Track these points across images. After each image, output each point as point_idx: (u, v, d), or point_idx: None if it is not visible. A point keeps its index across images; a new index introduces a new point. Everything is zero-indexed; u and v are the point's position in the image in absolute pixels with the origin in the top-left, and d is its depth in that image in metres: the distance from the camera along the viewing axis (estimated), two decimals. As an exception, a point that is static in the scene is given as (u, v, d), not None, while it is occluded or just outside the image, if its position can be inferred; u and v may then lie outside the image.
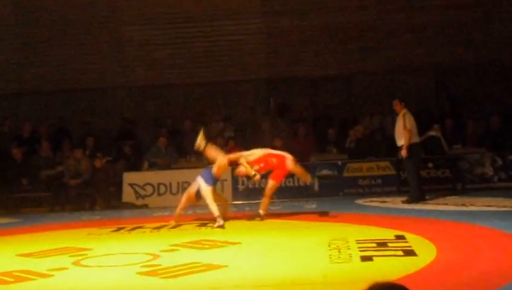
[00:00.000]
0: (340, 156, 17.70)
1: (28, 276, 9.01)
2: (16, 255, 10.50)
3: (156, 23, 20.73)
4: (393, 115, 18.91)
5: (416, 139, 14.61)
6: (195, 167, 17.70)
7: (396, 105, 14.74)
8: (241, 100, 20.30)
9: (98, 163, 17.18)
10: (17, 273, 9.21)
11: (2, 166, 17.29)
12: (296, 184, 16.80)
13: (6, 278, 8.96)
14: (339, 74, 20.26)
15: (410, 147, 14.39)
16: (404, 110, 14.57)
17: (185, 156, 18.39)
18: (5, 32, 20.86)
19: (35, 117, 19.97)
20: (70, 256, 9.99)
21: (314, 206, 15.15)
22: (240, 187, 16.92)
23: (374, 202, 15.33)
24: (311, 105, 20.12)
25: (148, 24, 20.71)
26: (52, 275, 8.96)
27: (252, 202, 16.21)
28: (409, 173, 14.83)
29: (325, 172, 16.90)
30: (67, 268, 9.31)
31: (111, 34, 20.79)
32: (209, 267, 8.84)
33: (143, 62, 20.77)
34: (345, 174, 17.00)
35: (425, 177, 16.77)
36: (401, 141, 14.44)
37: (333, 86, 20.26)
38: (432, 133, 17.33)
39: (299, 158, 17.70)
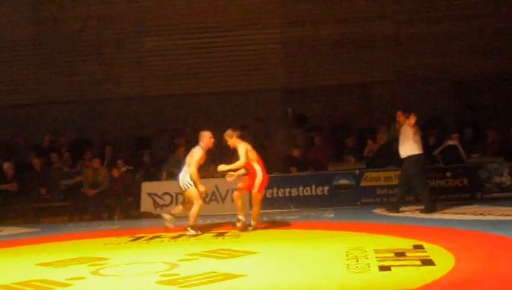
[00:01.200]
0: (357, 165, 17.66)
1: (47, 285, 9.06)
2: (35, 265, 10.55)
3: (174, 33, 20.84)
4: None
5: (421, 150, 14.56)
6: (214, 177, 17.77)
7: (400, 116, 14.61)
8: (259, 110, 20.33)
9: (115, 173, 17.25)
10: (36, 283, 9.26)
11: (22, 176, 17.38)
12: (314, 193, 16.79)
13: (25, 288, 9.01)
14: (357, 83, 20.25)
15: (418, 158, 14.38)
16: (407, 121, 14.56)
17: (202, 166, 18.37)
18: (25, 43, 21.03)
19: (55, 127, 20.07)
20: (88, 265, 10.03)
21: (331, 215, 15.13)
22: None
23: (392, 212, 15.28)
24: (328, 114, 20.11)
25: (167, 34, 20.82)
26: (71, 285, 9.00)
27: (269, 211, 16.22)
28: (418, 185, 14.70)
29: (342, 181, 16.89)
30: (86, 277, 9.35)
31: (130, 45, 20.90)
32: (228, 276, 8.86)
33: (162, 72, 20.86)
34: (363, 183, 16.97)
35: (444, 187, 16.74)
36: (406, 152, 14.42)
37: (351, 95, 20.26)
38: (450, 142, 17.30)
39: (317, 167, 17.78)
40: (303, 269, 9.28)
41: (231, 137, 13.42)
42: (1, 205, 17.37)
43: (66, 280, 9.26)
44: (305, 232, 12.90)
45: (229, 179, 13.30)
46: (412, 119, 14.33)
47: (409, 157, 14.40)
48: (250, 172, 13.04)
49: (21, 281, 9.44)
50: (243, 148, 13.22)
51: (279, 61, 20.83)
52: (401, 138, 14.55)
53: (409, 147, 14.37)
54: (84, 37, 20.94)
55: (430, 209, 14.46)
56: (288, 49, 20.73)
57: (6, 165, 17.79)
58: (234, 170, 13.33)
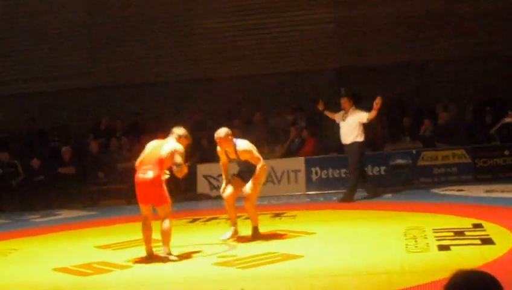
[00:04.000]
0: (414, 144, 17.48)
1: (106, 267, 9.17)
2: (94, 247, 10.69)
3: (226, 16, 20.81)
4: (470, 103, 18.69)
5: (364, 138, 14.31)
6: (268, 158, 17.76)
7: (346, 102, 14.34)
8: (312, 90, 20.22)
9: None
10: (95, 265, 9.39)
11: (79, 160, 17.59)
12: (370, 173, 16.68)
13: (85, 270, 9.13)
14: (411, 62, 20.00)
15: (363, 145, 14.22)
16: (353, 107, 14.29)
17: (257, 147, 18.37)
18: (78, 28, 21.23)
19: (111, 111, 20.25)
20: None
21: (389, 195, 15.02)
22: (314, 177, 16.86)
23: (450, 191, 15.11)
24: (383, 94, 19.89)
25: (219, 16, 20.78)
26: (130, 267, 9.11)
27: (325, 192, 16.20)
28: (355, 171, 14.27)
29: (399, 161, 16.75)
30: (144, 259, 9.43)
31: (182, 27, 20.95)
32: (285, 257, 8.86)
33: (214, 54, 20.87)
34: (420, 163, 16.79)
35: (501, 165, 16.49)
36: (350, 138, 14.09)
37: (405, 74, 20.01)
38: (507, 120, 17.02)
39: (373, 148, 17.64)
40: (361, 249, 9.25)
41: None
42: (59, 188, 17.63)
43: (125, 261, 9.37)
44: (362, 212, 12.82)
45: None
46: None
47: (354, 143, 14.07)
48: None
49: (80, 263, 9.58)
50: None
51: (332, 41, 20.67)
52: (347, 124, 14.15)
53: (356, 133, 14.04)
54: (135, 20, 21.03)
55: (347, 199, 14.10)
56: (341, 29, 20.55)
57: (64, 149, 18.04)
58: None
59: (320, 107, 14.73)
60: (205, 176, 17.31)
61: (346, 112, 14.20)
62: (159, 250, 9.34)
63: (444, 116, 17.63)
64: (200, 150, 18.50)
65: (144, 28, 21.00)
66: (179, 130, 9.99)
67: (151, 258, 9.28)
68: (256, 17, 20.75)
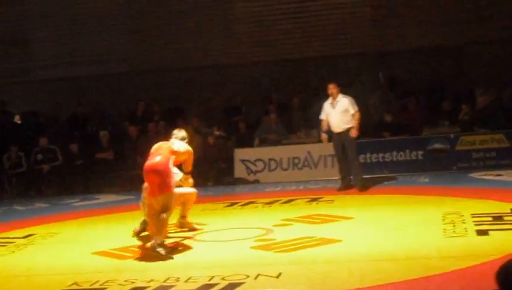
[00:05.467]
0: (452, 129, 17.34)
1: (145, 251, 9.24)
2: (132, 231, 10.74)
3: (264, 0, 20.78)
4: (509, 87, 18.46)
5: None
6: (305, 143, 17.77)
7: (334, 88, 13.78)
8: (350, 74, 20.13)
9: (210, 140, 17.41)
10: (134, 249, 9.47)
11: (117, 144, 17.70)
12: (408, 158, 16.60)
13: (123, 253, 9.23)
14: (451, 45, 19.79)
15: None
16: (341, 94, 13.79)
17: (294, 131, 18.43)
18: (116, 13, 21.33)
19: (148, 96, 20.34)
20: (186, 231, 10.16)
21: (427, 180, 14.94)
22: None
23: (488, 175, 14.97)
24: (422, 77, 19.75)
25: (257, 1, 20.76)
26: (170, 251, 9.15)
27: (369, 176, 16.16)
28: (356, 158, 13.89)
29: (437, 145, 16.63)
30: (183, 243, 9.50)
31: (221, 12, 20.96)
32: (323, 241, 8.87)
33: (252, 38, 20.85)
34: (458, 147, 16.64)
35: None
36: (342, 126, 13.57)
37: (445, 57, 19.82)
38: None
39: (411, 132, 17.54)
40: (399, 234, 9.22)
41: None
42: (98, 173, 17.78)
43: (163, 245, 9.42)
44: (400, 197, 12.76)
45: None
46: None
47: (348, 130, 13.57)
48: None
49: (119, 247, 9.68)
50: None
51: (369, 25, 20.54)
52: (338, 112, 13.65)
53: (347, 119, 13.59)
54: (175, 4, 21.07)
55: (365, 186, 13.73)
56: (378, 12, 20.41)
57: (102, 134, 18.17)
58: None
59: (325, 142, 14.23)
60: (242, 161, 17.34)
61: (335, 99, 13.72)
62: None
63: (483, 100, 17.44)
64: (237, 134, 18.55)
65: (183, 12, 21.03)
66: (181, 133, 9.91)
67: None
68: (294, 1, 20.67)
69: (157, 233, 8.80)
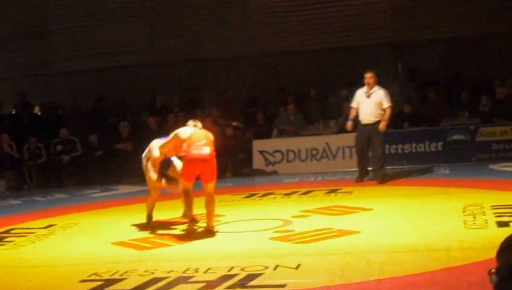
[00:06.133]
0: (472, 120, 17.25)
1: (164, 242, 9.29)
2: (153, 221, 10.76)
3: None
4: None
5: None
6: (323, 134, 17.74)
7: (371, 78, 13.36)
8: (369, 65, 20.03)
9: (229, 131, 17.40)
10: (152, 239, 9.51)
11: (137, 135, 17.70)
12: (427, 149, 16.54)
13: (143, 244, 9.26)
14: (471, 36, 19.67)
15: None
16: (377, 86, 13.43)
17: (312, 123, 18.41)
18: (137, 4, 21.38)
19: (167, 87, 20.37)
20: (203, 222, 10.16)
21: (446, 171, 14.88)
22: (369, 153, 16.71)
23: (509, 167, 14.88)
24: (441, 68, 19.65)
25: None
26: (188, 241, 9.19)
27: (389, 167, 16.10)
28: (382, 152, 13.71)
29: (457, 137, 16.55)
30: (202, 234, 9.52)
31: (240, 3, 20.95)
32: (342, 233, 8.86)
33: (270, 30, 20.82)
34: (478, 138, 16.56)
35: None
36: (372, 118, 13.29)
37: (465, 48, 19.71)
38: None
39: (430, 123, 17.46)
40: (419, 225, 9.20)
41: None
42: (117, 164, 17.83)
43: (182, 237, 9.46)
44: (420, 188, 12.72)
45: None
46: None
47: (378, 123, 13.35)
48: None
49: (138, 237, 9.72)
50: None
51: (387, 15, 20.45)
52: (371, 102, 13.32)
53: (378, 112, 13.32)
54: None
55: (385, 178, 13.57)
56: (396, 2, 20.33)
57: (121, 125, 18.21)
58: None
59: (350, 128, 13.87)
60: (261, 152, 17.34)
61: (370, 89, 13.34)
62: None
63: (502, 91, 17.35)
64: (255, 125, 18.54)
65: (202, 4, 21.03)
66: (198, 124, 9.95)
67: (195, 221, 9.60)
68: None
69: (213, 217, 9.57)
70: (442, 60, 19.69)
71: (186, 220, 9.97)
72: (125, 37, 21.31)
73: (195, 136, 9.51)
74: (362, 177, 13.74)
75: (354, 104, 13.59)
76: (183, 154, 9.60)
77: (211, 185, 9.57)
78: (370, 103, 13.31)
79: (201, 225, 9.79)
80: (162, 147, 10.06)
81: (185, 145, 9.47)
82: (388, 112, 13.32)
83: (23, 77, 21.58)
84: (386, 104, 13.28)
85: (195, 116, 17.81)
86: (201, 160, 9.37)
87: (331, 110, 18.66)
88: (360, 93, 13.47)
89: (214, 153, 9.53)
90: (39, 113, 20.97)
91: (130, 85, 20.97)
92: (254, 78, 20.58)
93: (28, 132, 18.66)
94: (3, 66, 21.80)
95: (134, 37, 21.26)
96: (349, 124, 13.77)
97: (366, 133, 13.42)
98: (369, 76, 13.31)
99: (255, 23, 20.92)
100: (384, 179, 13.49)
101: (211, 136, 9.75)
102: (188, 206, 9.67)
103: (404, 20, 20.29)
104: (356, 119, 13.66)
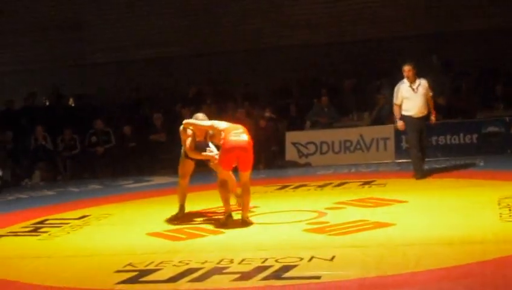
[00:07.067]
0: (507, 112, 17.08)
1: (199, 233, 9.31)
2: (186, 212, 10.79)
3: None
4: None
5: None
6: (357, 126, 17.68)
7: (411, 71, 12.83)
8: (401, 57, 19.92)
9: (262, 123, 17.40)
10: (188, 230, 9.54)
11: (170, 126, 17.73)
12: (462, 141, 16.42)
13: (178, 235, 9.29)
14: (505, 27, 19.47)
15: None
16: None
17: (346, 114, 18.35)
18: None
19: (200, 79, 20.41)
20: (237, 213, 10.17)
21: (481, 164, 14.76)
22: (403, 145, 16.65)
23: (545, 159, 14.77)
24: (476, 59, 19.46)
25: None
26: (222, 232, 9.22)
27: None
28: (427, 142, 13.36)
29: (491, 129, 16.40)
30: (237, 225, 9.53)
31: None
32: (377, 225, 8.83)
33: (304, 22, 20.77)
34: (513, 130, 16.41)
35: None
36: (424, 110, 12.86)
37: (499, 39, 19.49)
38: None
39: (465, 115, 17.32)
40: (454, 218, 9.12)
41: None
42: (151, 155, 17.92)
43: (216, 227, 9.48)
44: (454, 181, 12.61)
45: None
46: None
47: (426, 116, 13.01)
48: None
49: (173, 228, 9.76)
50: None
51: (421, 6, 20.31)
52: (420, 95, 12.81)
53: (425, 104, 12.91)
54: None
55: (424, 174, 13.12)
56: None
57: (155, 117, 18.30)
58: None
59: (402, 128, 13.36)
60: (294, 143, 17.33)
61: (412, 82, 12.82)
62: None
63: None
64: (288, 117, 18.53)
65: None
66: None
67: (231, 217, 9.58)
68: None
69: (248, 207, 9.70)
70: (477, 51, 19.48)
71: (239, 208, 9.99)
72: (159, 28, 21.37)
73: (233, 126, 9.70)
74: (423, 171, 13.14)
75: (398, 101, 12.99)
76: (221, 142, 9.60)
77: (247, 174, 9.61)
78: (419, 96, 12.80)
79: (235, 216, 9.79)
80: (188, 124, 10.17)
81: (222, 134, 9.54)
82: (432, 102, 13.01)
83: (57, 68, 21.73)
84: (431, 92, 12.93)
85: (227, 108, 17.98)
86: (240, 147, 9.46)
87: (365, 102, 18.58)
88: (405, 88, 12.88)
89: (252, 141, 9.61)
90: (73, 105, 21.12)
91: (164, 76, 21.04)
92: (286, 69, 20.53)
93: (63, 123, 18.81)
94: (38, 57, 21.95)
95: (168, 29, 21.33)
96: (400, 124, 13.17)
97: (419, 126, 12.92)
98: (407, 69, 12.82)
99: (288, 14, 20.87)
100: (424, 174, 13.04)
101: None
102: (226, 199, 9.68)
103: (439, 11, 20.14)
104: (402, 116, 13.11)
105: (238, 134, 9.53)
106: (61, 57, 21.84)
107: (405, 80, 12.91)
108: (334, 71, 20.05)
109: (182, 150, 10.34)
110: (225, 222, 9.52)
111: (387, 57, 19.62)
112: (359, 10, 20.47)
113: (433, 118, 12.95)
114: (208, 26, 21.16)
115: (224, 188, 9.64)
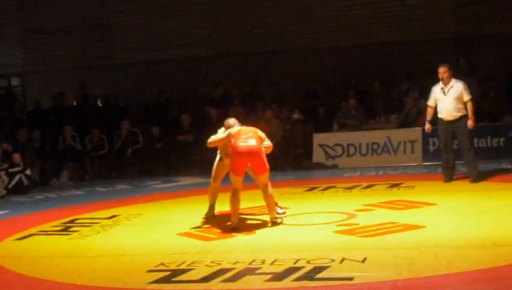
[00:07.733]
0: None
1: (229, 233, 9.33)
2: (215, 213, 10.83)
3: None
4: None
5: None
6: (384, 128, 17.65)
7: (446, 72, 12.69)
8: (428, 60, 19.88)
9: (289, 124, 17.43)
10: (217, 230, 9.58)
11: (198, 127, 17.82)
12: (489, 145, 16.37)
13: (208, 235, 9.34)
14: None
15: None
16: (454, 79, 12.77)
17: (374, 116, 18.34)
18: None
19: (227, 80, 20.47)
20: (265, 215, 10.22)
21: (509, 167, 14.72)
22: (431, 148, 16.63)
23: None
24: (504, 63, 19.38)
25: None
26: (253, 232, 9.27)
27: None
28: (471, 146, 13.03)
29: None
30: (266, 226, 9.58)
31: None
32: (407, 227, 8.84)
33: (329, 24, 20.77)
34: (541, 134, 16.33)
35: None
36: (456, 113, 12.64)
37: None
38: None
39: (492, 119, 17.24)
40: (484, 220, 9.13)
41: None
42: (178, 156, 18.00)
43: (246, 227, 9.53)
44: (482, 184, 12.56)
45: None
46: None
47: (463, 118, 12.71)
48: None
49: (202, 228, 9.83)
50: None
51: (448, 9, 20.25)
52: (450, 98, 12.62)
53: (461, 106, 12.66)
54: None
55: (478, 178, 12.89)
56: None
57: (183, 117, 18.38)
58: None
59: (429, 131, 13.33)
60: (321, 145, 17.35)
61: (446, 83, 12.69)
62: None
63: None
64: (316, 119, 18.54)
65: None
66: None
67: (237, 230, 9.39)
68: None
69: (274, 207, 9.75)
70: (505, 54, 19.39)
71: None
72: (187, 29, 21.45)
73: (243, 131, 9.64)
74: (451, 176, 13.04)
75: (431, 103, 12.96)
76: (229, 149, 9.66)
77: (263, 177, 9.59)
78: (449, 98, 12.67)
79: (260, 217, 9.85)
80: (211, 143, 10.22)
81: (232, 140, 9.56)
82: (470, 106, 12.67)
83: (85, 68, 21.88)
84: (466, 97, 12.66)
85: (256, 109, 18.01)
86: (248, 153, 9.42)
87: (393, 105, 18.56)
88: (437, 90, 12.84)
89: (261, 146, 9.56)
90: (100, 105, 21.26)
91: (192, 77, 21.12)
92: (316, 71, 20.54)
93: (90, 123, 18.93)
94: (66, 57, 22.12)
95: (195, 30, 21.39)
96: (427, 127, 13.10)
97: (450, 129, 12.78)
98: (442, 70, 12.71)
99: (316, 16, 20.88)
100: (478, 179, 12.77)
101: (259, 132, 9.75)
102: (234, 209, 9.57)
103: (466, 14, 20.06)
104: (433, 119, 13.06)
105: (246, 139, 9.47)
106: (89, 58, 21.98)
107: (440, 82, 12.85)
108: (362, 73, 20.02)
109: (218, 156, 10.33)
110: (233, 227, 9.48)
111: (415, 60, 19.60)
112: (388, 13, 20.43)
113: (470, 122, 12.66)
114: (235, 28, 21.21)
115: (234, 197, 9.55)
